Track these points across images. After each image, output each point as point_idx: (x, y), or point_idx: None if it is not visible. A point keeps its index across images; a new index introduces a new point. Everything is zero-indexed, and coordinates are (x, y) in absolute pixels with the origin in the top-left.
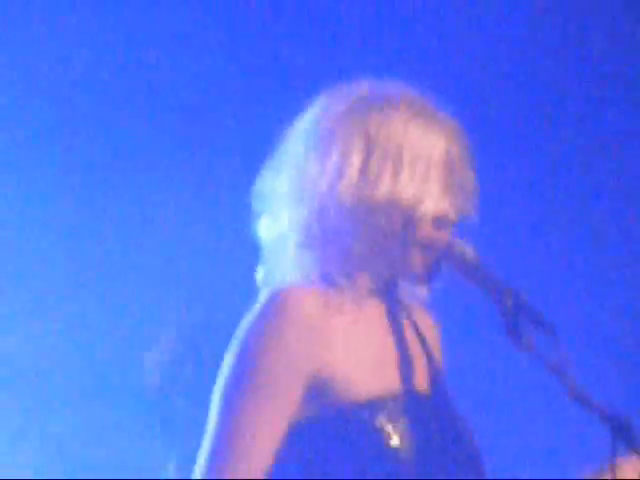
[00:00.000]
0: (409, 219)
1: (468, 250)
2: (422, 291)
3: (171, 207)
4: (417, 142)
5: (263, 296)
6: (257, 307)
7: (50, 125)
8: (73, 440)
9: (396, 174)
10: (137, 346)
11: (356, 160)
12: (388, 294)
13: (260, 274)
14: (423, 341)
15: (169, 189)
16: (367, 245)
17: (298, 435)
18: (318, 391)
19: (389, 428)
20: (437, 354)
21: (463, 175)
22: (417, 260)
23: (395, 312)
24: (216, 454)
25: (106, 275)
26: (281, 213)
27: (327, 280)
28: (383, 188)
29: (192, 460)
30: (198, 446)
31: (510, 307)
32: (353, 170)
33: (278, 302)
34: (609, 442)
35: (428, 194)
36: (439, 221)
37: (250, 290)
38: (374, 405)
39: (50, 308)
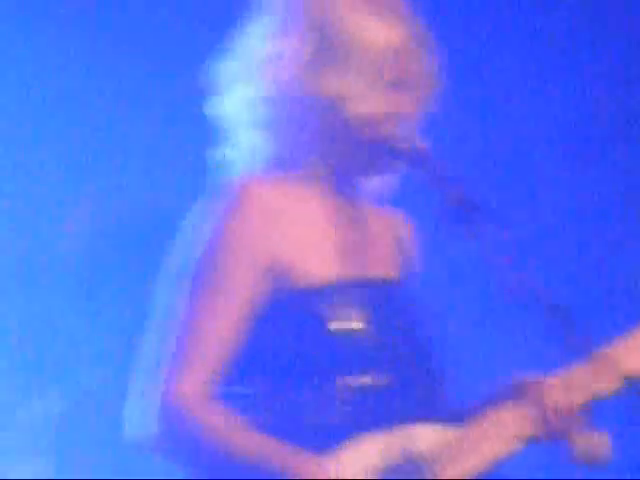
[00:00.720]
0: (344, 117)
1: (413, 143)
2: (381, 185)
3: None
4: (358, 34)
5: (224, 187)
6: (218, 199)
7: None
8: None
9: (330, 69)
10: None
11: (296, 50)
12: (339, 183)
13: (216, 154)
14: (386, 233)
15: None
16: (308, 136)
17: (255, 324)
18: (274, 278)
19: (342, 311)
20: (405, 247)
21: (411, 67)
22: (358, 155)
23: (347, 202)
24: (171, 355)
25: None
26: (231, 92)
27: (277, 165)
28: (316, 84)
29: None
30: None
31: (454, 195)
32: (292, 59)
33: (237, 193)
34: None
35: (362, 93)
36: (379, 119)
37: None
38: (327, 290)
39: None
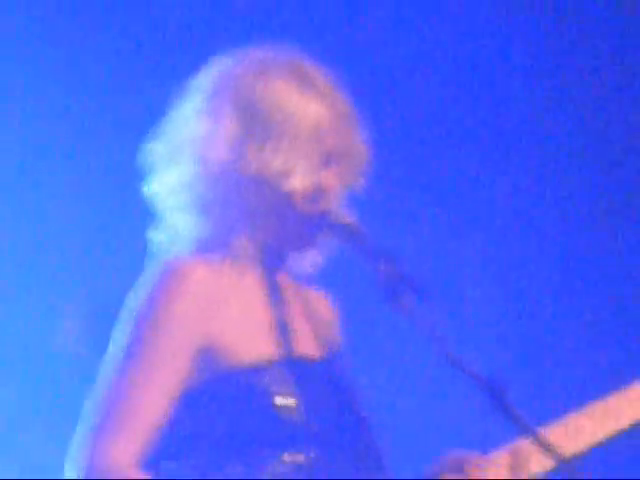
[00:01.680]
0: (278, 194)
1: (346, 217)
2: (309, 261)
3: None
4: (288, 109)
5: (155, 266)
6: (149, 276)
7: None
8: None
9: (261, 147)
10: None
11: (226, 129)
12: (270, 262)
13: (152, 236)
14: (314, 312)
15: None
16: (238, 215)
17: (189, 402)
18: (208, 357)
19: (276, 389)
20: (331, 326)
21: (342, 142)
22: (292, 231)
23: (278, 281)
24: (101, 422)
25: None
26: (162, 171)
27: (206, 247)
28: (248, 161)
29: None
30: None
31: (387, 272)
32: (221, 139)
33: (170, 272)
34: (486, 407)
35: (295, 169)
36: (313, 194)
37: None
38: (260, 369)
39: None
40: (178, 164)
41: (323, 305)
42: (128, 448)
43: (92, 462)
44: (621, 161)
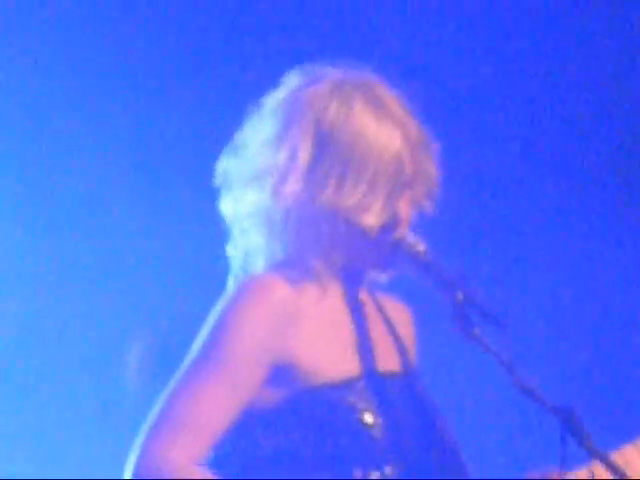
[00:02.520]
0: (353, 226)
1: (418, 246)
2: (381, 278)
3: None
4: (367, 143)
5: (239, 281)
6: (233, 291)
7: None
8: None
9: (341, 181)
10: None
11: (303, 162)
12: (349, 280)
13: (230, 253)
14: (393, 326)
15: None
16: (312, 242)
17: (271, 420)
18: (287, 374)
19: (360, 407)
20: (409, 339)
21: (418, 170)
22: (367, 257)
23: (358, 297)
24: (162, 421)
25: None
26: (238, 195)
27: (283, 266)
28: (326, 195)
29: None
30: None
31: (459, 299)
32: (298, 173)
33: (253, 287)
34: (558, 433)
35: (372, 204)
36: (388, 225)
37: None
38: (344, 386)
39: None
40: (254, 191)
41: (402, 317)
42: (185, 449)
43: (146, 458)
44: None
